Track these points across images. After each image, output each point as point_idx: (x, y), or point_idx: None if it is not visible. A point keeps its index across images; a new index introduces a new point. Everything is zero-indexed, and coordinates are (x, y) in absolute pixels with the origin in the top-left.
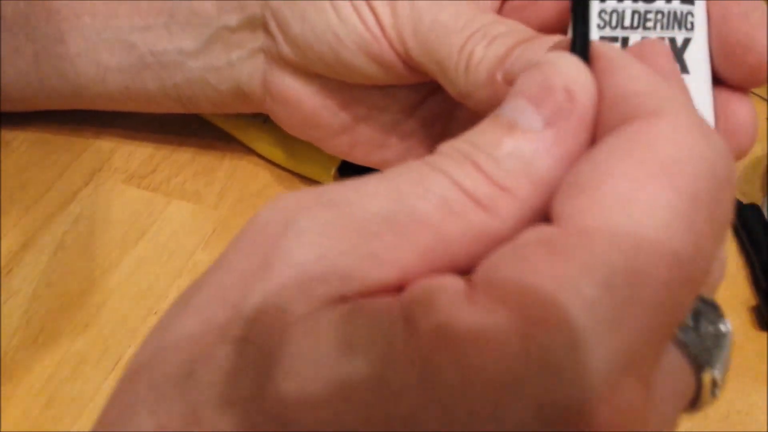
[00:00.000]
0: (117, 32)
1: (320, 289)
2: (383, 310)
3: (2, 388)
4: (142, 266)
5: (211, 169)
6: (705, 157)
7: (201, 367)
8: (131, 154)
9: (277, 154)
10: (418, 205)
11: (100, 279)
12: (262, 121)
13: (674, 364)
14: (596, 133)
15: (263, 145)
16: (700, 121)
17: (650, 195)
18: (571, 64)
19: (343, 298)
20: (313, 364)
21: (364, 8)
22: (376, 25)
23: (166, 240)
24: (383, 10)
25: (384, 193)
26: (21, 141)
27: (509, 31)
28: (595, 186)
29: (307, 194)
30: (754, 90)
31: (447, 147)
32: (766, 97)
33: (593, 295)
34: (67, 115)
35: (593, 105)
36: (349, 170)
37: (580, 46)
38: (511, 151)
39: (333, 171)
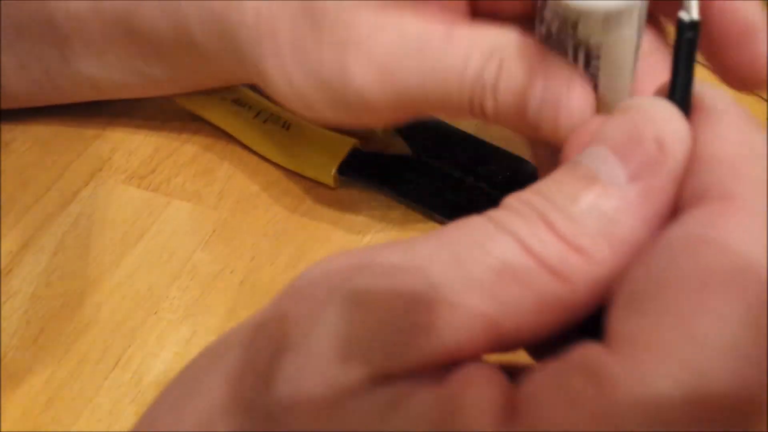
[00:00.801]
0: None
1: (361, 369)
2: (421, 408)
3: (2, 388)
4: (142, 266)
5: (211, 169)
6: None
7: None
8: (131, 155)
9: (277, 155)
10: (476, 271)
11: (100, 279)
12: (263, 121)
13: None
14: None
15: (263, 145)
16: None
17: (716, 320)
18: (666, 111)
19: (387, 377)
20: None
21: None
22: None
23: (166, 240)
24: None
25: (440, 259)
26: (21, 141)
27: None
28: (652, 303)
29: (355, 257)
30: (753, 91)
31: (515, 200)
32: (766, 97)
33: None
34: (67, 115)
35: (687, 160)
36: (348, 170)
37: (681, 94)
38: (589, 208)
39: (333, 171)
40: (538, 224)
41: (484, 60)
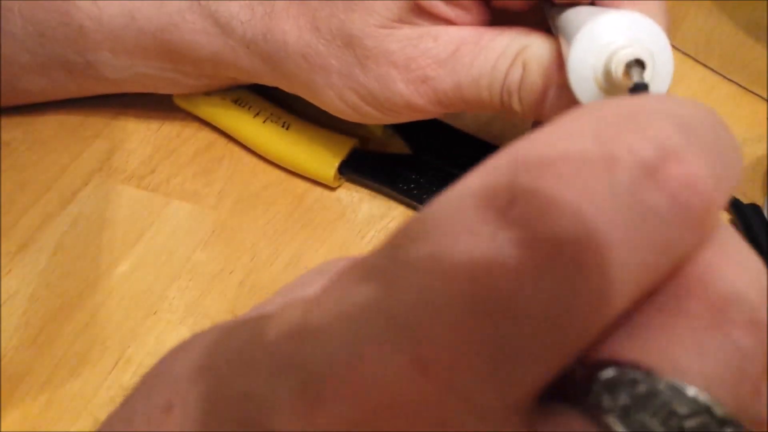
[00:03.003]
0: None
1: None
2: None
3: (1, 388)
4: (141, 267)
5: (210, 169)
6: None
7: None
8: (130, 155)
9: (277, 154)
10: None
11: (99, 280)
12: (262, 121)
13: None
14: None
15: (263, 145)
16: None
17: None
18: None
19: None
20: None
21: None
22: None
23: (165, 240)
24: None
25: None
26: (20, 141)
27: None
28: None
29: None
30: (753, 90)
31: None
32: (766, 97)
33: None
34: (66, 115)
35: None
36: (348, 170)
37: None
38: None
39: (333, 171)
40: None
41: (509, 66)
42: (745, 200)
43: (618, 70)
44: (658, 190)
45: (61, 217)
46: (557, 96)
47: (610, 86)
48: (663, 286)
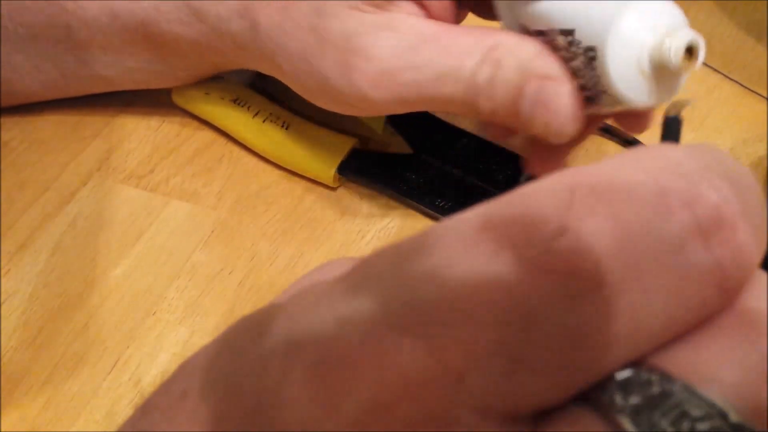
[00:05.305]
0: None
1: None
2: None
3: (1, 389)
4: (141, 267)
5: (209, 169)
6: None
7: None
8: (129, 154)
9: (276, 154)
10: None
11: (98, 280)
12: (262, 120)
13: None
14: None
15: (263, 145)
16: None
17: None
18: None
19: None
20: None
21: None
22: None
23: (165, 240)
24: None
25: None
26: (19, 141)
27: None
28: None
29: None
30: (754, 90)
31: None
32: (766, 96)
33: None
34: (65, 115)
35: None
36: (348, 170)
37: None
38: None
39: (333, 171)
40: None
41: (478, 63)
42: None
43: (678, 54)
44: (706, 251)
45: (59, 217)
46: (536, 92)
47: (658, 72)
48: None
